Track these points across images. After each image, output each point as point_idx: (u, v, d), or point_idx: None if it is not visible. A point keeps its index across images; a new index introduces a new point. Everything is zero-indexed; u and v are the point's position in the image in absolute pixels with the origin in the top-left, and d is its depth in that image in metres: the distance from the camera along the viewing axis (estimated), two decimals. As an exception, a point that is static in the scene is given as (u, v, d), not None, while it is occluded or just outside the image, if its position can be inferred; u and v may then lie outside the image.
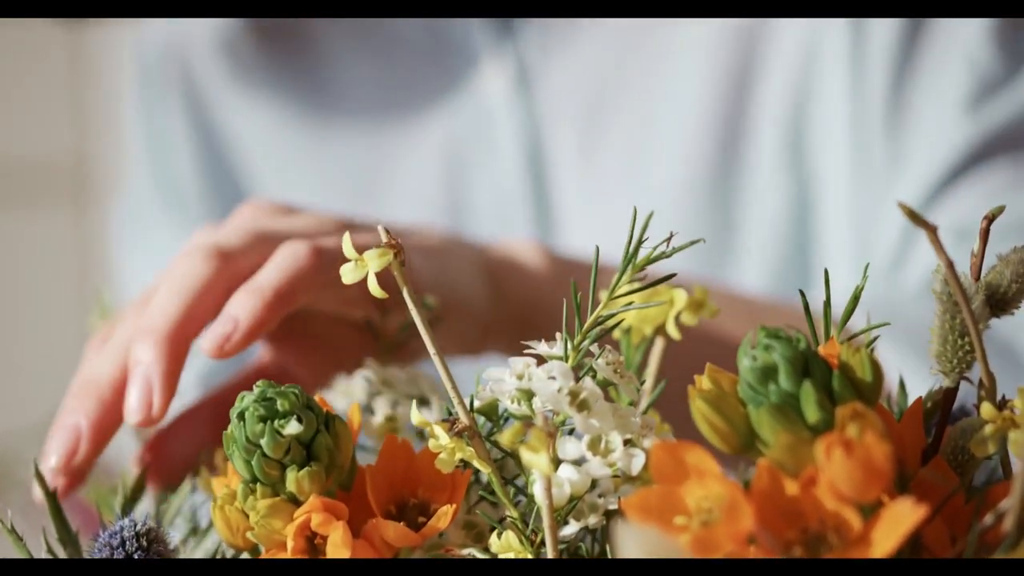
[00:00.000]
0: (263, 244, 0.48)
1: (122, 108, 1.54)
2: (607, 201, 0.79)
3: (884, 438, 0.34)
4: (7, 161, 1.56)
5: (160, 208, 0.84)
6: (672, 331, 0.46)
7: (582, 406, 0.40)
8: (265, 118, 0.82)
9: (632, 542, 0.33)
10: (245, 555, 0.43)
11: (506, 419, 0.43)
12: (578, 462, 0.41)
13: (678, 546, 0.33)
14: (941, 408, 0.40)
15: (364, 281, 0.40)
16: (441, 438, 0.41)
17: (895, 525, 0.33)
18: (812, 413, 0.36)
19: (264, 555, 0.41)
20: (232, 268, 0.47)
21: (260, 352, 0.55)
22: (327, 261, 0.46)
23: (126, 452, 0.52)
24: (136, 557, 0.41)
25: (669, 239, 0.39)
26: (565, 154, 0.80)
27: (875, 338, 0.41)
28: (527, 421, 0.38)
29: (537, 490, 0.40)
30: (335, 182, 0.81)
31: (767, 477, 0.36)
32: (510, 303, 0.48)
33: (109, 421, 0.45)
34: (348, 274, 0.41)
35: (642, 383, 0.46)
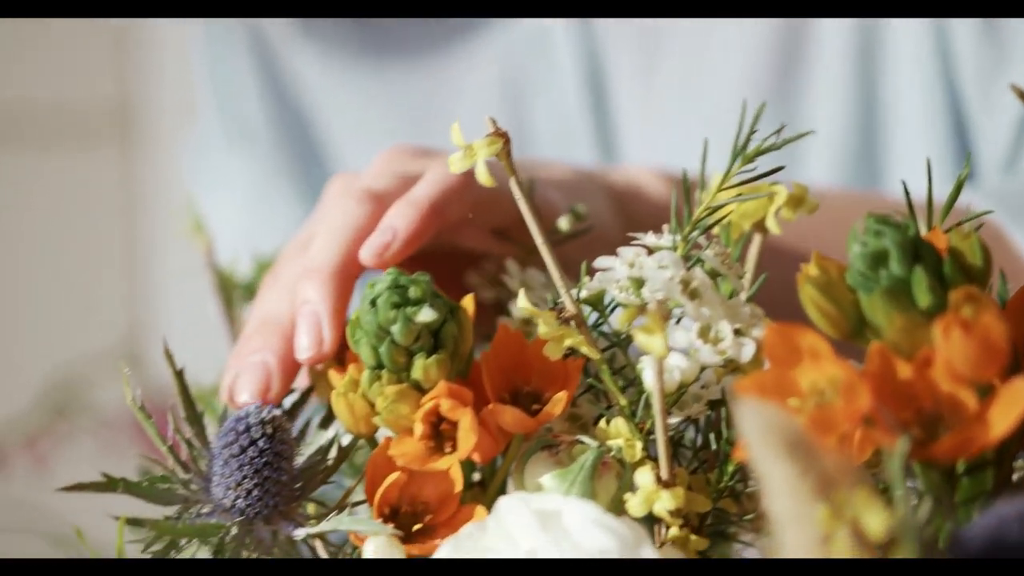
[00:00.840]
0: (409, 185, 0.49)
1: (165, 53, 1.56)
2: (668, 122, 0.79)
3: (1000, 318, 0.35)
4: (53, 106, 1.58)
5: (229, 143, 0.85)
6: (772, 226, 0.47)
7: (693, 294, 0.41)
8: (325, 53, 0.83)
9: (752, 420, 0.34)
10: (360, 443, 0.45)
11: (612, 309, 0.44)
12: (686, 351, 0.42)
13: (796, 424, 0.34)
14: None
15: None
16: (549, 325, 0.42)
17: (1012, 404, 0.34)
18: (924, 297, 0.37)
19: (391, 440, 0.43)
20: (384, 209, 0.48)
21: None
22: (473, 180, 0.48)
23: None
24: (261, 444, 0.43)
25: (780, 131, 0.40)
26: (624, 75, 0.80)
27: (980, 225, 0.41)
28: (642, 306, 0.39)
29: (647, 376, 0.41)
30: (396, 114, 0.82)
31: (880, 360, 0.36)
32: (637, 229, 0.49)
33: (293, 357, 0.47)
34: (457, 163, 0.42)
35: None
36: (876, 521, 0.32)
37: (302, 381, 0.48)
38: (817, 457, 0.33)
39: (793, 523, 0.34)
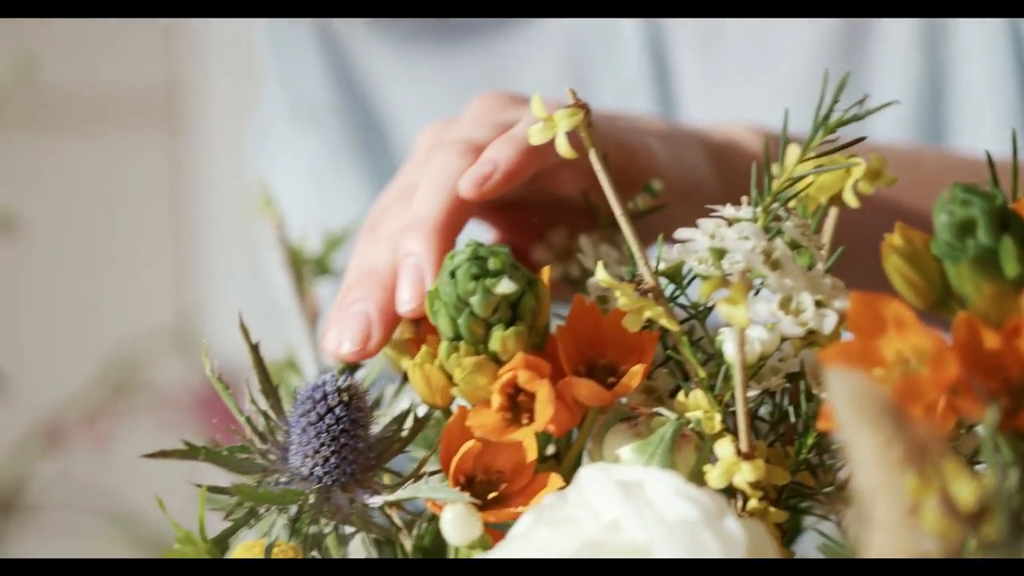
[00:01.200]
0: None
1: (213, 36, 1.57)
2: (730, 97, 0.79)
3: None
4: (101, 89, 1.60)
5: (293, 122, 0.86)
6: (850, 199, 0.46)
7: (775, 265, 0.40)
8: (388, 31, 0.83)
9: (840, 387, 0.34)
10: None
11: (689, 282, 0.44)
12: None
13: (885, 392, 0.34)
14: None
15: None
16: (628, 297, 0.42)
17: (1103, 373, 0.34)
18: (1012, 267, 0.36)
19: (467, 411, 0.43)
20: None
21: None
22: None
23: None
24: (338, 412, 0.43)
25: (862, 101, 0.39)
26: (687, 52, 0.79)
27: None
28: (723, 277, 0.39)
29: (728, 348, 0.41)
30: (459, 91, 0.82)
31: (966, 329, 0.36)
32: (734, 186, 0.48)
33: (394, 308, 0.47)
34: (536, 135, 0.42)
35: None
36: (966, 491, 0.32)
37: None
38: (906, 426, 0.33)
39: (881, 493, 0.34)
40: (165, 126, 1.63)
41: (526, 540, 0.38)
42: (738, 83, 0.79)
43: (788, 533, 0.45)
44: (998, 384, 0.36)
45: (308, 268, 0.57)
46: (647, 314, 0.42)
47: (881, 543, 0.34)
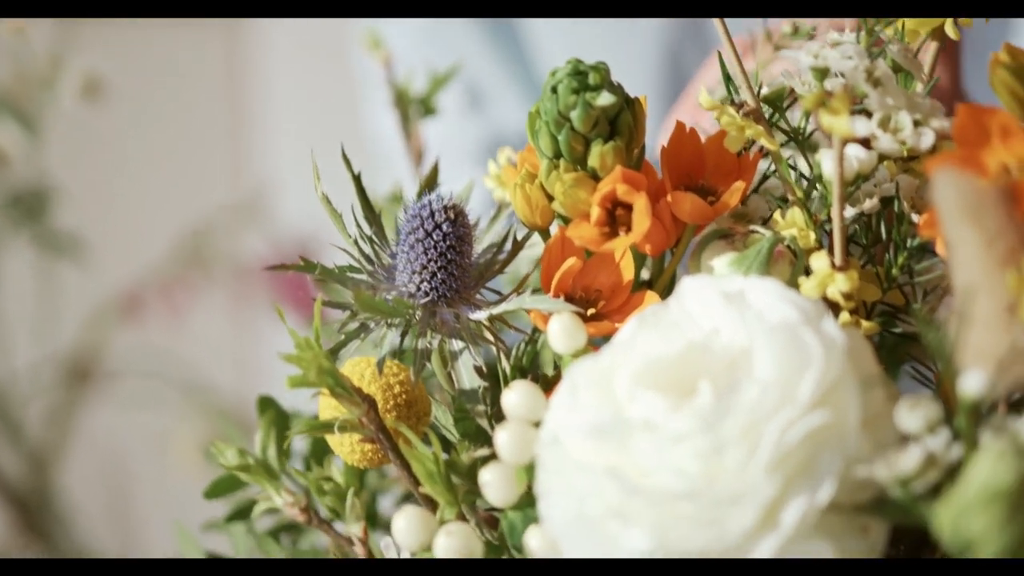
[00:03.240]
0: None
1: None
2: None
3: None
4: None
5: None
6: (951, 31, 0.47)
7: (876, 83, 0.41)
8: None
9: (946, 187, 0.35)
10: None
11: (790, 106, 0.45)
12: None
13: (989, 191, 0.35)
14: None
15: None
16: (730, 118, 0.43)
17: None
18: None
19: (569, 226, 0.44)
20: None
21: None
22: None
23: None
24: (445, 228, 0.45)
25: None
26: None
27: None
28: (826, 93, 0.40)
29: (826, 164, 0.42)
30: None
31: (1069, 139, 0.37)
32: None
33: None
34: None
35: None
36: (1067, 284, 0.33)
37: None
38: (1010, 224, 0.34)
39: (982, 291, 0.35)
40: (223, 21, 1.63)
41: (629, 343, 0.40)
42: None
43: (886, 367, 0.47)
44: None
45: (413, 107, 0.58)
46: (748, 133, 0.43)
47: (978, 341, 0.36)
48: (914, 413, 0.36)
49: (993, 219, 0.34)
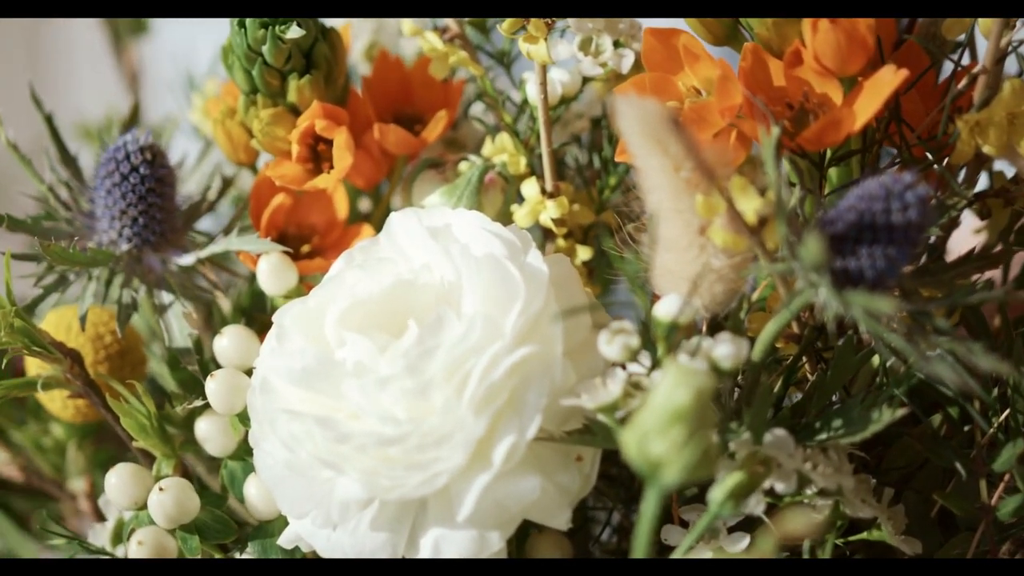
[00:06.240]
0: None
1: None
2: None
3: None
4: None
5: None
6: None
7: (573, 5, 0.41)
8: None
9: (629, 113, 0.35)
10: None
11: (492, 28, 0.44)
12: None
13: (673, 114, 0.35)
14: None
15: None
16: (434, 42, 0.42)
17: (876, 92, 0.36)
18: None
19: (269, 165, 0.42)
20: None
21: None
22: None
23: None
24: (142, 171, 0.42)
25: None
26: None
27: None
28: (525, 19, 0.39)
29: (530, 90, 0.42)
30: None
31: (752, 58, 0.37)
32: None
33: None
34: None
35: None
36: (750, 205, 0.34)
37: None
38: (694, 149, 0.34)
39: (671, 214, 0.35)
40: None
41: (337, 282, 0.39)
42: None
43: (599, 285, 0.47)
44: (781, 108, 0.37)
45: (125, 25, 0.55)
46: (452, 60, 0.42)
47: (670, 264, 0.36)
48: (615, 341, 0.36)
49: (676, 144, 0.34)
